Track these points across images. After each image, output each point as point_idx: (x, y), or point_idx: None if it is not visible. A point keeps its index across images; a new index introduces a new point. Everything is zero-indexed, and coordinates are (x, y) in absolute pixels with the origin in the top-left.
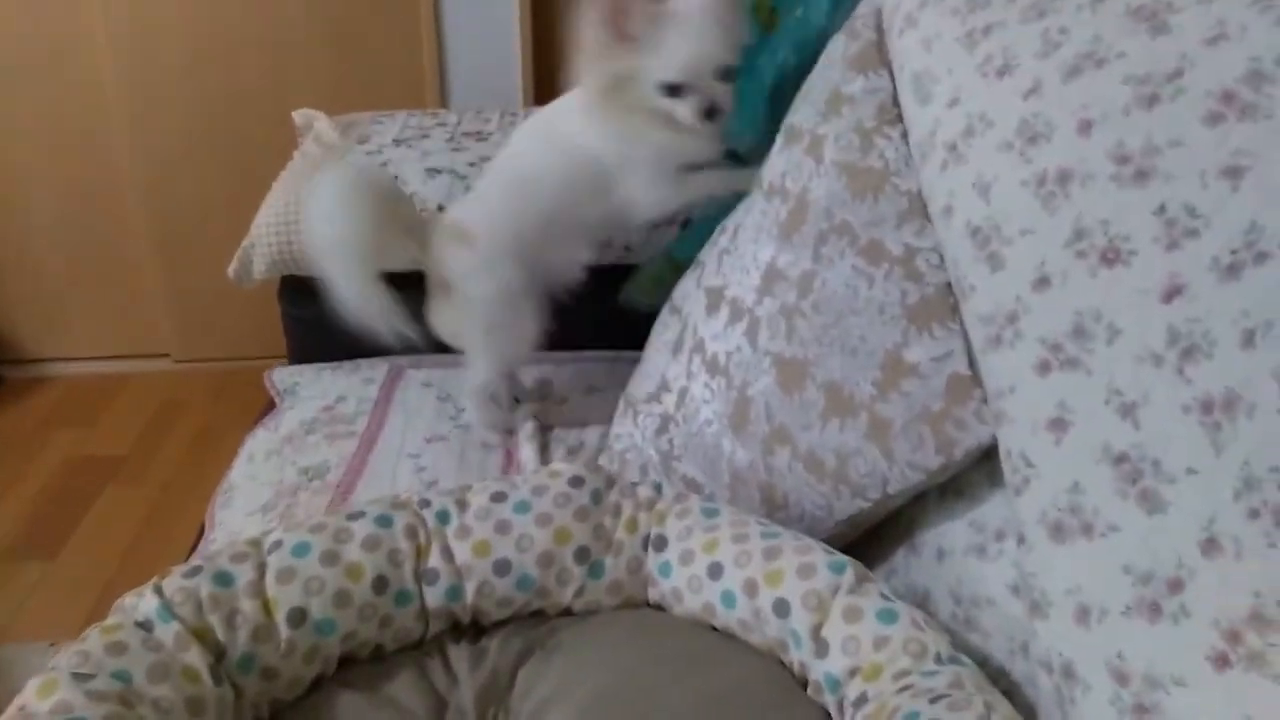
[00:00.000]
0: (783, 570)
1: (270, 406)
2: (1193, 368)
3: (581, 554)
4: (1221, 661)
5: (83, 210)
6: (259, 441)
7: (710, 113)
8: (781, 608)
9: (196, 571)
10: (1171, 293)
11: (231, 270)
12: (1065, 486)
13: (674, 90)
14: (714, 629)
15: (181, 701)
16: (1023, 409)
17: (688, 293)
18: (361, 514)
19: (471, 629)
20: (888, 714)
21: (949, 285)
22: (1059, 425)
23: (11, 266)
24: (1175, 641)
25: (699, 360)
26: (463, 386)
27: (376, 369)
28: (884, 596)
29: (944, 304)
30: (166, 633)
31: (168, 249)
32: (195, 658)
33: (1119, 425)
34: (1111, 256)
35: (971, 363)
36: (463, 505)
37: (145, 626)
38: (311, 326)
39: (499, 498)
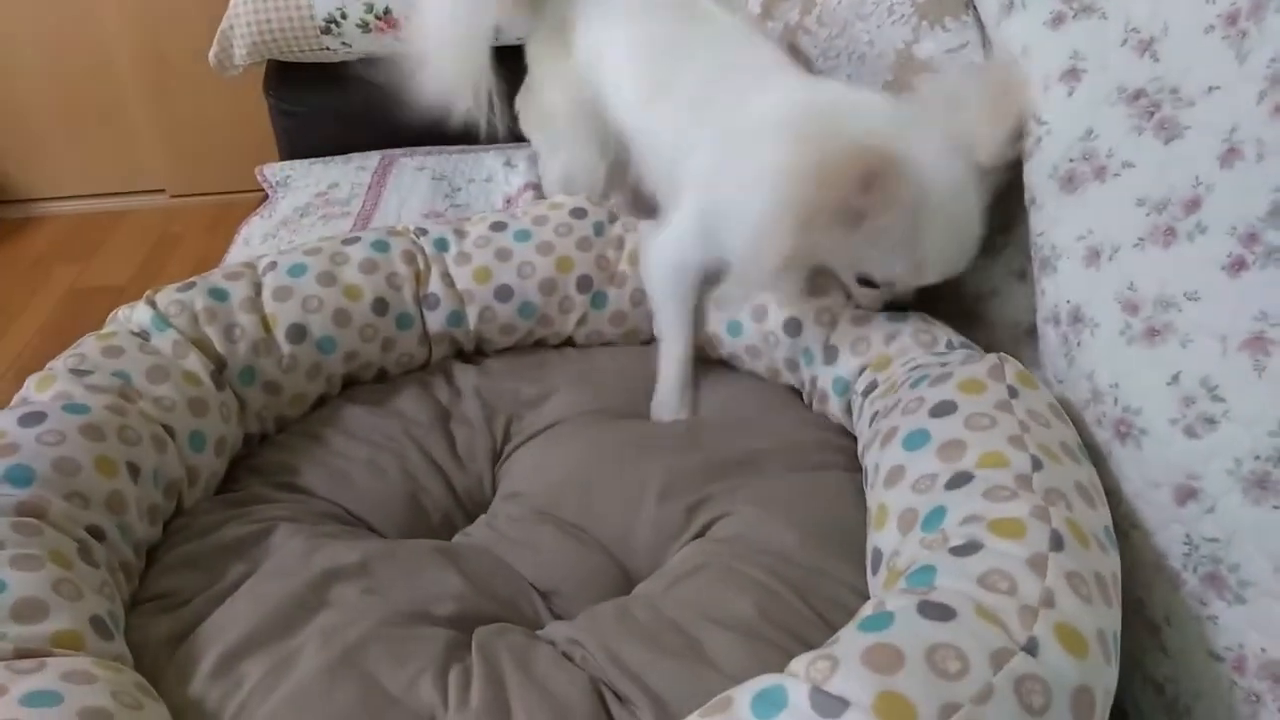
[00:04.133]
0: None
1: (264, 200)
2: None
3: (584, 283)
4: (1237, 266)
5: (68, 48)
6: (254, 228)
7: (891, 306)
8: (792, 326)
9: (190, 287)
10: None
11: (212, 56)
12: (1078, 135)
13: (872, 282)
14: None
15: (184, 401)
16: (1035, 68)
17: None
18: (357, 239)
19: (476, 356)
20: (896, 387)
21: None
22: (1072, 75)
23: None
24: (1190, 258)
25: None
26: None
27: (369, 159)
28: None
29: None
30: (164, 340)
31: (158, 84)
32: (195, 364)
33: (1136, 63)
34: None
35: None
36: (461, 234)
37: (142, 335)
38: (301, 120)
39: (499, 227)
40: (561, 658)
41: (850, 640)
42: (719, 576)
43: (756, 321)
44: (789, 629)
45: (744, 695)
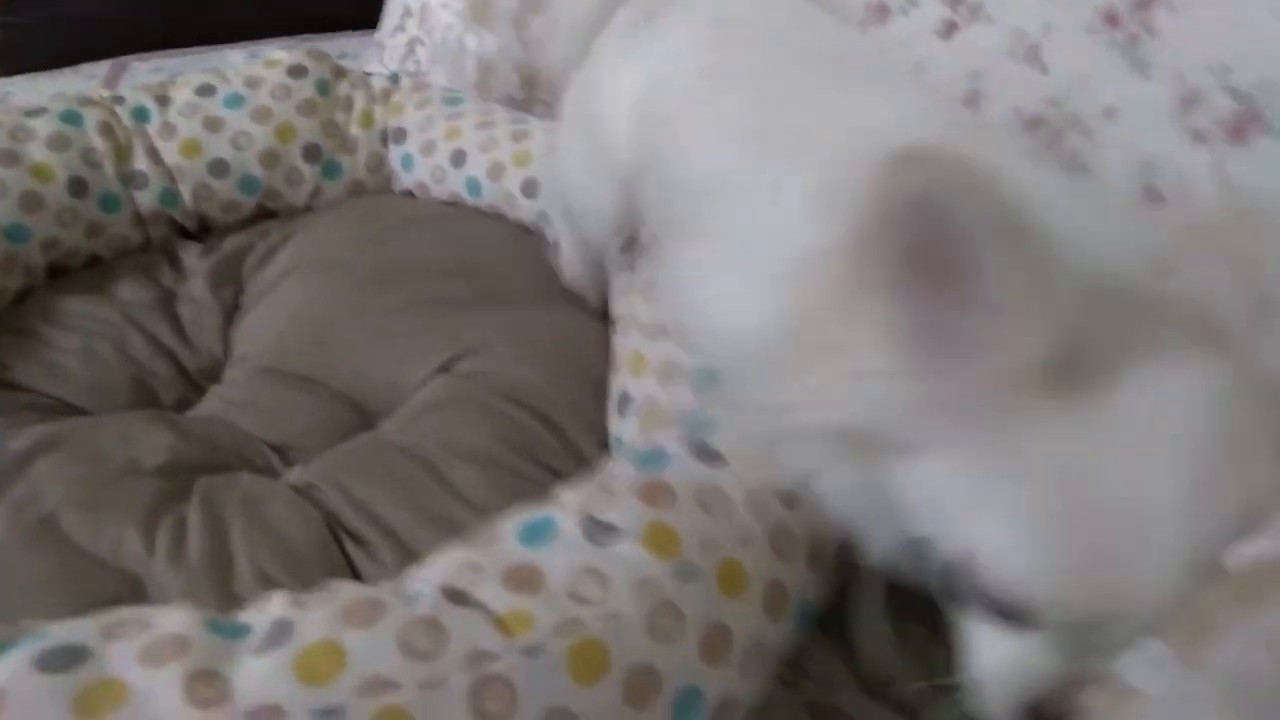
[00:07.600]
0: (531, 151)
1: None
2: None
3: (311, 152)
4: None
5: None
6: None
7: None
8: (530, 188)
9: None
10: None
11: None
12: None
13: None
14: None
15: None
16: None
17: None
18: (43, 111)
19: (203, 234)
20: None
21: None
22: None
23: None
24: None
25: None
26: None
27: (98, 67)
28: None
29: None
30: None
31: None
32: None
33: None
34: None
35: None
36: (164, 101)
37: None
38: (20, 32)
39: (206, 91)
40: (296, 498)
41: (624, 474)
42: (463, 411)
43: (493, 180)
44: (536, 459)
45: (511, 526)
